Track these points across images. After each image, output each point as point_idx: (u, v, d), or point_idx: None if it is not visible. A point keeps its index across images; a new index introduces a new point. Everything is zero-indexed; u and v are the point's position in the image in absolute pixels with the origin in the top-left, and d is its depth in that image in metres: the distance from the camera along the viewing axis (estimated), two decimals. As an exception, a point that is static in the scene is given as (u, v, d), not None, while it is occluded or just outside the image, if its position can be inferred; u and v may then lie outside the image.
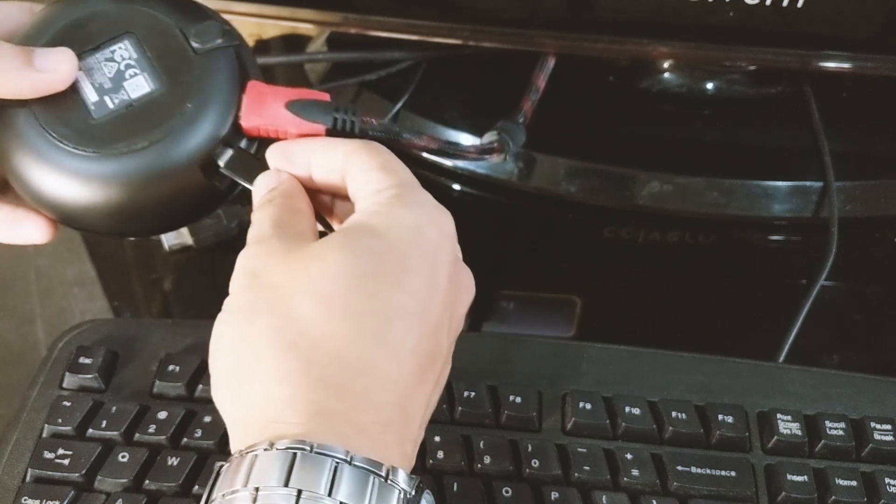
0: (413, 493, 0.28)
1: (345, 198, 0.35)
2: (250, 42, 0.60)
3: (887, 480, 0.38)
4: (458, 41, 0.53)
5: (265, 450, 0.27)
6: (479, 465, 0.38)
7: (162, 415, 0.39)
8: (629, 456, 0.38)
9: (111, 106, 0.34)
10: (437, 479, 0.38)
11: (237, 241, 0.53)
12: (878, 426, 0.40)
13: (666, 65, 0.58)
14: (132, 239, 0.55)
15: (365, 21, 0.53)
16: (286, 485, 0.26)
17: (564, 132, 0.57)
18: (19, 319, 0.51)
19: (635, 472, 0.38)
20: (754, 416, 0.40)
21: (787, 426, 0.40)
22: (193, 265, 0.54)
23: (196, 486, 0.38)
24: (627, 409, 0.40)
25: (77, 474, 0.38)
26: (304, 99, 0.35)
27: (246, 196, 0.35)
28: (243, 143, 0.35)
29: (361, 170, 0.32)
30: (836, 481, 0.38)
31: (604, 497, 0.37)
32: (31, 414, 0.40)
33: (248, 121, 0.35)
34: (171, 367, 0.41)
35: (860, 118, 0.59)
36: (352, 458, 0.27)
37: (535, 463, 0.38)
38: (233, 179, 0.35)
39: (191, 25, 0.35)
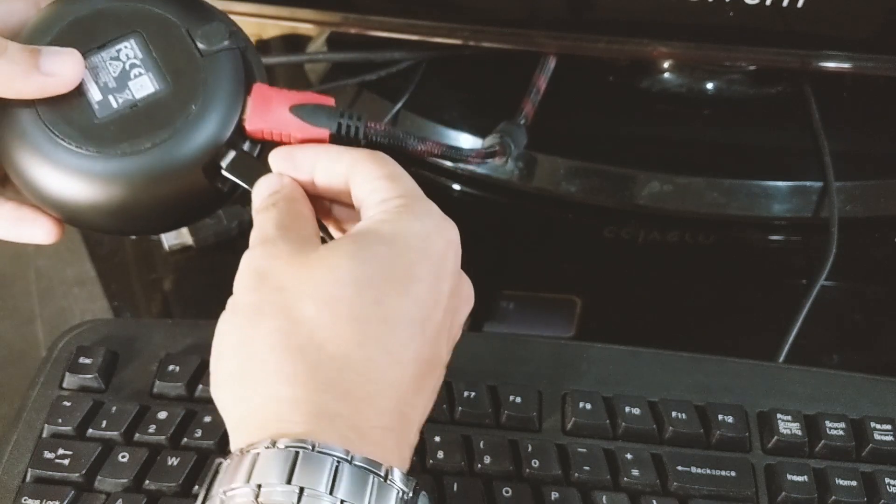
0: (410, 493, 0.29)
1: (345, 204, 0.35)
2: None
3: (887, 480, 0.38)
4: (458, 41, 0.53)
5: (267, 448, 0.27)
6: (479, 465, 0.38)
7: (162, 415, 0.39)
8: (629, 456, 0.38)
9: (115, 106, 0.34)
10: (437, 479, 0.38)
11: (237, 241, 0.54)
12: (878, 426, 0.40)
13: (666, 65, 0.58)
14: (132, 237, 0.55)
15: (365, 21, 0.53)
16: (288, 482, 0.27)
17: (564, 132, 0.57)
18: (19, 319, 0.51)
19: (635, 472, 0.38)
20: (754, 416, 0.40)
21: (787, 426, 0.40)
22: (193, 265, 0.54)
23: (196, 487, 0.38)
24: (627, 409, 0.40)
25: (77, 474, 0.38)
26: (308, 103, 0.35)
27: (247, 197, 0.35)
28: (246, 146, 0.35)
29: (367, 178, 0.33)
30: (836, 481, 0.38)
31: (604, 497, 0.37)
32: (31, 414, 0.40)
33: (253, 124, 0.35)
34: (171, 367, 0.41)
35: (860, 118, 0.59)
36: (352, 458, 0.27)
37: (535, 463, 0.38)
38: (235, 182, 0.35)
39: (197, 26, 0.35)
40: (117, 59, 0.34)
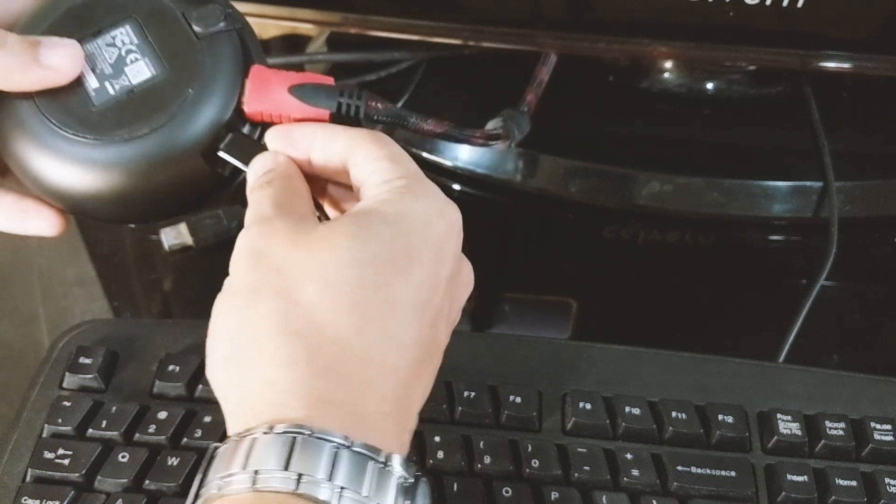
0: (411, 479, 0.28)
1: (340, 184, 0.35)
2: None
3: (887, 480, 0.38)
4: (458, 41, 0.53)
5: (264, 433, 0.27)
6: (479, 465, 0.38)
7: (162, 415, 0.39)
8: (629, 456, 0.38)
9: (112, 92, 0.34)
10: (437, 479, 0.38)
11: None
12: (878, 426, 0.40)
13: (666, 65, 0.58)
14: (133, 237, 0.55)
15: (365, 21, 0.53)
16: (286, 468, 0.26)
17: (564, 132, 0.57)
18: (20, 319, 0.51)
19: (635, 472, 0.38)
20: (754, 416, 0.40)
21: (787, 426, 0.39)
22: (193, 265, 0.54)
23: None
24: (627, 409, 0.40)
25: (77, 474, 0.37)
26: (308, 83, 0.35)
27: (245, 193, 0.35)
28: (246, 129, 0.35)
29: (368, 159, 0.32)
30: (836, 481, 0.38)
31: (604, 497, 0.37)
32: (31, 414, 0.40)
33: (251, 106, 0.35)
34: (171, 367, 0.41)
35: (860, 118, 0.59)
36: (351, 444, 0.27)
37: (535, 463, 0.38)
38: (235, 166, 0.35)
39: (192, 9, 0.35)
40: (113, 45, 0.34)
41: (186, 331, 0.43)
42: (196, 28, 0.34)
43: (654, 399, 0.40)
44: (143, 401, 0.40)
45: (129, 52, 0.34)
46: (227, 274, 0.31)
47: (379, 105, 0.36)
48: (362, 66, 0.60)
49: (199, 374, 0.41)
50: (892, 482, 0.38)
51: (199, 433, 0.39)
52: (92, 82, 0.34)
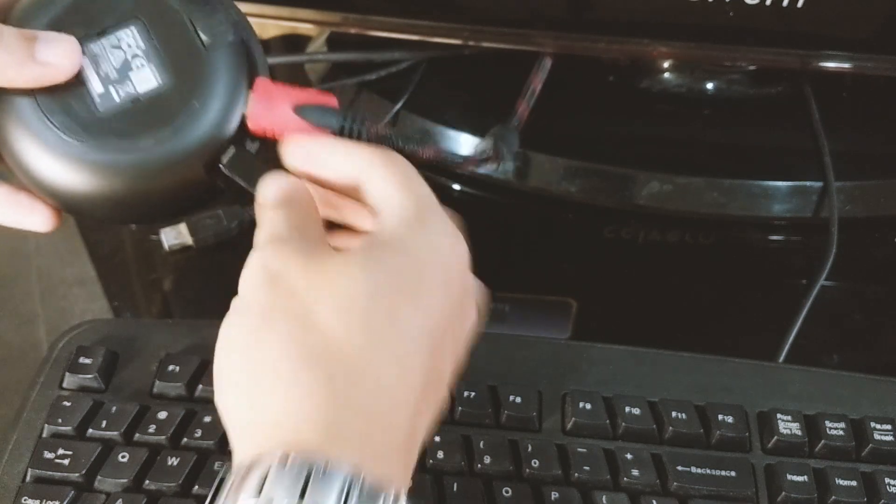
0: None
1: (348, 197, 0.34)
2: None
3: (887, 480, 0.38)
4: (458, 41, 0.53)
5: (279, 461, 0.27)
6: (479, 465, 0.38)
7: (162, 415, 0.39)
8: (629, 456, 0.38)
9: (117, 100, 0.33)
10: (437, 479, 0.38)
11: (237, 241, 0.53)
12: (878, 426, 0.40)
13: (666, 65, 0.58)
14: (132, 237, 0.55)
15: (365, 21, 0.53)
16: (301, 499, 0.26)
17: (564, 132, 0.57)
18: (20, 319, 0.51)
19: (635, 472, 0.38)
20: (754, 416, 0.40)
21: (787, 426, 0.40)
22: (193, 265, 0.54)
23: (196, 487, 0.38)
24: (627, 409, 0.40)
25: (77, 474, 0.37)
26: (313, 104, 0.35)
27: (245, 196, 0.35)
28: (247, 142, 0.35)
29: (383, 182, 0.32)
30: (836, 481, 0.38)
31: (604, 497, 0.37)
32: (31, 414, 0.40)
33: (255, 122, 0.34)
34: (171, 367, 0.41)
35: (860, 118, 0.59)
36: (363, 479, 0.27)
37: (535, 463, 0.38)
38: (234, 180, 0.35)
39: (200, 15, 0.34)
40: (118, 47, 0.34)
41: (186, 331, 0.43)
42: (203, 37, 0.34)
43: (654, 399, 0.40)
44: (143, 401, 0.40)
45: (134, 56, 0.34)
46: (226, 274, 0.31)
47: (379, 129, 0.36)
48: (362, 66, 0.60)
49: (199, 374, 0.41)
50: (892, 482, 0.38)
51: (199, 433, 0.39)
52: (96, 86, 0.33)
